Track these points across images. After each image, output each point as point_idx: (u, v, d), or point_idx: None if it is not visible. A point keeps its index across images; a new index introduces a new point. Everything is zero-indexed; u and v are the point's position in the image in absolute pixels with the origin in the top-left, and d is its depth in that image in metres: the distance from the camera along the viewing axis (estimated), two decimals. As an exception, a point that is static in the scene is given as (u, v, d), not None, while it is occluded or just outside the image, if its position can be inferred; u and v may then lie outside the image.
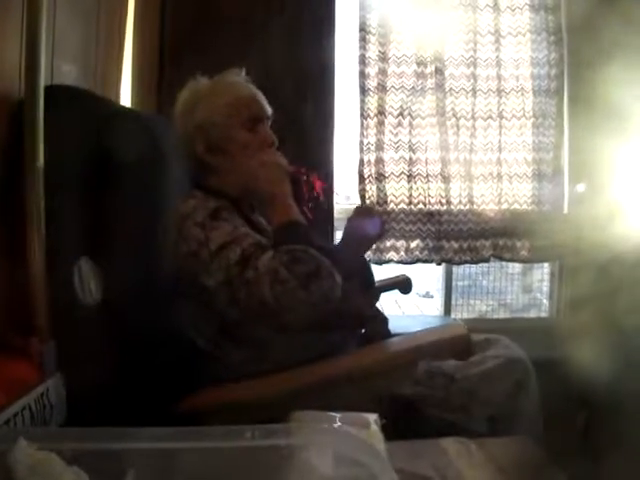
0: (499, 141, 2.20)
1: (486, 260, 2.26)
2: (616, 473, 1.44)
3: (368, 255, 2.05)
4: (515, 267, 2.56)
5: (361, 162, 2.14)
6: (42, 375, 0.80)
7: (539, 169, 2.21)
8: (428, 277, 3.54)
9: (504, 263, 2.41)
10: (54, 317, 0.85)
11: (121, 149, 0.93)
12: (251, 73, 1.31)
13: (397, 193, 2.17)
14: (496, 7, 2.16)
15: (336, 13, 2.02)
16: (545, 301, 2.55)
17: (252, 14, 1.95)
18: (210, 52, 1.81)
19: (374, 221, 1.41)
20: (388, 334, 1.33)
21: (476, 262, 2.24)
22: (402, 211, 2.18)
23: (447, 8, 2.13)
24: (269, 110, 1.26)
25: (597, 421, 1.97)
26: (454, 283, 2.42)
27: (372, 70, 2.11)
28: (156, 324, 1.05)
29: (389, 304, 3.43)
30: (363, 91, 2.12)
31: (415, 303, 3.90)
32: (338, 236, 1.96)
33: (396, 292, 1.74)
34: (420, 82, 2.14)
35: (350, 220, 1.42)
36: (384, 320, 1.39)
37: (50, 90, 0.88)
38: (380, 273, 1.83)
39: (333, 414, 0.73)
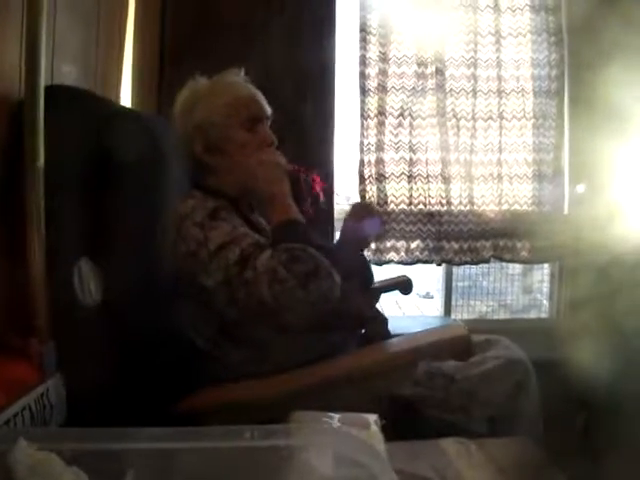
0: (499, 142, 2.20)
1: (486, 261, 2.26)
2: (616, 473, 1.44)
3: (368, 255, 2.05)
4: (515, 268, 2.56)
5: (361, 163, 2.14)
6: (42, 375, 0.80)
7: (539, 170, 2.21)
8: (428, 278, 3.53)
9: (504, 264, 2.41)
10: (54, 317, 0.84)
11: (121, 149, 0.93)
12: (251, 73, 1.31)
13: (397, 194, 2.17)
14: (496, 8, 2.16)
15: (336, 13, 2.02)
16: (545, 302, 2.55)
17: (252, 14, 1.95)
18: (210, 52, 1.81)
19: (372, 218, 1.40)
20: (388, 335, 1.33)
21: (476, 263, 2.24)
22: (402, 212, 2.18)
23: (447, 9, 2.13)
24: (268, 110, 1.26)
25: (597, 422, 1.97)
26: (454, 284, 2.42)
27: (372, 70, 2.11)
28: (156, 324, 1.05)
29: (389, 305, 3.42)
30: (363, 91, 2.12)
31: (415, 304, 3.90)
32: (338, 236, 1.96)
33: (396, 293, 1.74)
34: (420, 83, 2.14)
35: (347, 218, 1.41)
36: (384, 321, 1.38)
37: (50, 90, 0.88)
38: (380, 274, 1.83)
39: (333, 415, 0.73)
